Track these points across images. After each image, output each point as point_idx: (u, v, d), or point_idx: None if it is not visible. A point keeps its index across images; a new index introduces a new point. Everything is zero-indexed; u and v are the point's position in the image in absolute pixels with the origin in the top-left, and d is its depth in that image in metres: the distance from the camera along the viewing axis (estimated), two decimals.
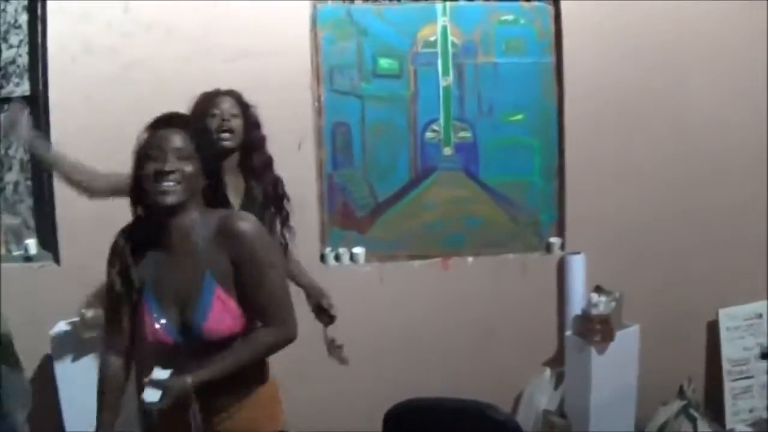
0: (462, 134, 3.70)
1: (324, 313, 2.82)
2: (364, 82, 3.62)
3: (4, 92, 3.81)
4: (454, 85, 3.69)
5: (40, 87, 3.70)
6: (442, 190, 3.68)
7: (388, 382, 3.35)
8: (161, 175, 1.85)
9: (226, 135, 2.74)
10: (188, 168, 1.86)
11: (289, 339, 1.97)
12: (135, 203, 1.96)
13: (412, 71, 3.66)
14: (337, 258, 3.60)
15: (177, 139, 1.88)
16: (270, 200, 2.83)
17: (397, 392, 2.80)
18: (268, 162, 2.88)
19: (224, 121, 2.75)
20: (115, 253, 1.99)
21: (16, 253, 3.78)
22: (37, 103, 3.72)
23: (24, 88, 3.79)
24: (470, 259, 3.71)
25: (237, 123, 2.79)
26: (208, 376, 1.86)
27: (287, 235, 2.84)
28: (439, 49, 3.68)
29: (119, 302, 1.96)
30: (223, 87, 3.65)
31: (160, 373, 1.86)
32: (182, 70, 3.59)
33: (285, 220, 2.84)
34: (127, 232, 1.98)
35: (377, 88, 3.62)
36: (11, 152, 3.86)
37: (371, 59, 3.64)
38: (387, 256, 3.57)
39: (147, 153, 1.90)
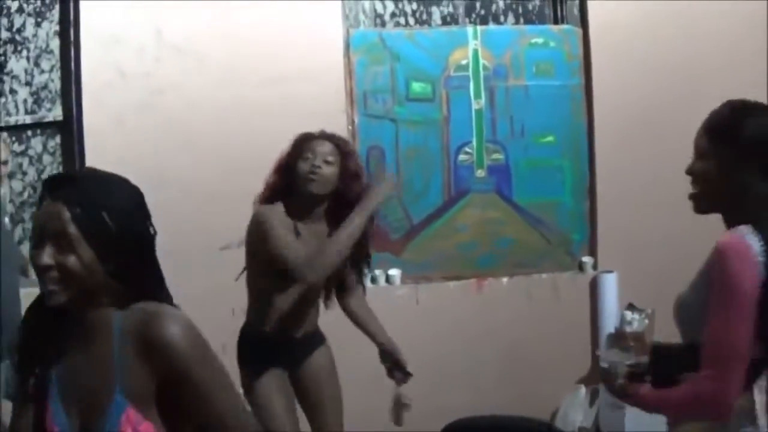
0: (494, 156, 3.72)
1: (400, 371, 2.68)
2: (398, 106, 3.64)
3: (37, 117, 3.85)
4: (486, 107, 3.71)
5: (74, 112, 3.72)
6: (475, 212, 3.70)
7: (426, 400, 3.35)
8: (39, 270, 1.37)
9: (312, 177, 2.52)
10: (70, 261, 1.35)
11: None
12: None
13: (444, 95, 3.69)
14: (373, 280, 3.61)
15: (56, 223, 1.35)
16: (352, 256, 2.65)
17: (437, 411, 2.82)
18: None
19: (315, 166, 2.53)
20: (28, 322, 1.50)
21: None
22: (71, 128, 3.75)
23: (56, 113, 3.82)
24: (504, 279, 3.72)
25: (330, 171, 2.56)
26: None
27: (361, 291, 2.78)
28: (470, 72, 3.71)
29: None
30: (256, 112, 3.70)
31: None
32: (214, 95, 3.62)
33: (360, 280, 2.76)
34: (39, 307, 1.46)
35: (410, 112, 3.64)
36: (45, 176, 3.88)
37: (404, 83, 3.67)
38: (421, 278, 3.58)
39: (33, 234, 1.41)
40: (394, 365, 2.69)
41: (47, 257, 1.34)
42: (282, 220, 2.55)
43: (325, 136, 2.65)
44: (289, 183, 2.59)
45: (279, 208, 2.58)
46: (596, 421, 3.77)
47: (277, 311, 2.62)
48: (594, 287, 3.80)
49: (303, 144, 2.61)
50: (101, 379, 1.39)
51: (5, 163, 3.06)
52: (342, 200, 2.57)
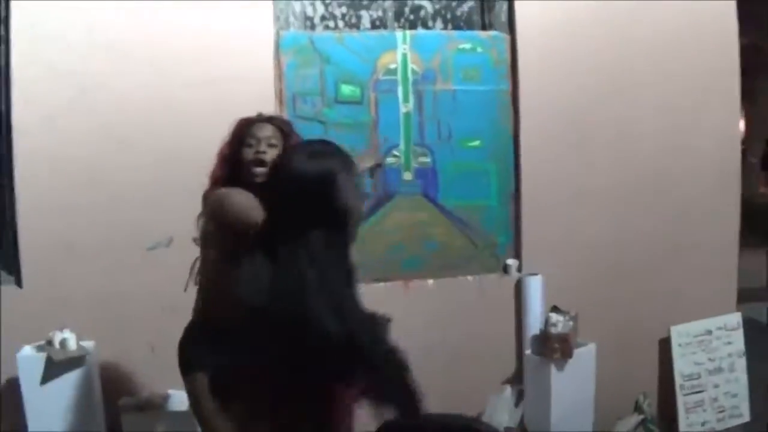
0: (422, 159, 3.74)
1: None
2: (327, 108, 3.63)
3: None
4: (414, 111, 3.73)
5: (2, 109, 3.66)
6: (402, 215, 3.70)
7: None
8: None
9: (258, 170, 2.46)
10: None
11: None
12: None
13: (373, 98, 3.69)
14: None
15: None
16: None
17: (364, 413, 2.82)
18: None
19: (259, 152, 2.47)
20: None
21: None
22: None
23: None
24: (430, 281, 3.74)
25: (274, 154, 2.48)
26: None
27: None
28: (399, 76, 3.71)
29: None
30: (184, 113, 3.66)
31: None
32: (143, 95, 3.57)
33: None
34: None
35: (339, 114, 3.63)
36: None
37: (333, 86, 3.65)
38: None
39: None
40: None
41: None
42: None
43: (264, 119, 2.59)
44: (233, 172, 2.51)
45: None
46: (522, 422, 3.81)
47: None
48: (519, 289, 3.84)
49: (243, 129, 2.54)
50: None
51: None
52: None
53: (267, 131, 2.54)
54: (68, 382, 3.43)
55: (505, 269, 3.84)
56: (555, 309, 3.76)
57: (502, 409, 3.82)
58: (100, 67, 3.57)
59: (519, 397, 3.83)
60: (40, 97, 3.59)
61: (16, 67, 3.60)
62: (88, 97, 3.57)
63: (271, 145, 2.51)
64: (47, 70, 3.60)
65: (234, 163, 2.54)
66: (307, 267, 1.97)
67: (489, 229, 3.81)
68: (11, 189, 3.64)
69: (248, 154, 2.49)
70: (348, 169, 2.09)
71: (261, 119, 2.60)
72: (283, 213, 2.04)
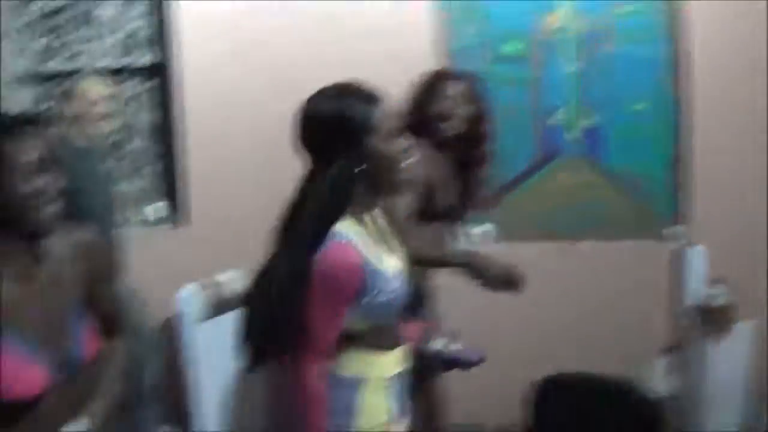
0: (586, 120, 3.63)
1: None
2: (491, 64, 3.56)
3: (129, 62, 3.83)
4: (579, 71, 3.61)
5: (167, 57, 3.70)
6: (564, 176, 3.61)
7: (512, 355, 3.31)
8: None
9: (443, 126, 2.48)
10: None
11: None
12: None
13: (537, 56, 3.60)
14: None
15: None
16: (465, 201, 2.63)
17: (521, 367, 2.76)
18: (483, 161, 2.63)
19: (448, 108, 2.49)
20: None
21: (144, 216, 3.80)
22: (163, 75, 3.73)
23: (149, 57, 3.81)
24: (588, 244, 3.63)
25: (463, 112, 2.50)
26: (104, 410, 1.64)
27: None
28: (563, 35, 3.61)
29: None
30: (348, 69, 3.62)
31: (75, 427, 1.58)
32: (306, 50, 3.58)
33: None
34: None
35: (503, 71, 3.56)
36: (136, 120, 3.87)
37: (497, 42, 3.58)
38: (508, 239, 3.50)
39: None
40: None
41: None
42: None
43: (457, 76, 2.58)
44: (420, 123, 2.48)
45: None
46: (673, 394, 3.70)
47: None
48: (679, 259, 3.70)
49: (435, 83, 2.52)
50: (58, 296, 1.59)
51: (97, 103, 3.05)
52: (469, 140, 2.54)
53: (458, 88, 2.51)
54: (229, 321, 3.46)
55: (666, 237, 3.70)
56: (716, 281, 3.61)
57: (653, 379, 3.71)
58: (269, 18, 3.58)
59: (671, 368, 3.72)
60: (204, 46, 3.62)
61: (179, 17, 3.64)
62: (256, 46, 3.59)
63: (459, 104, 2.48)
64: (211, 20, 3.62)
65: (422, 115, 2.50)
66: None
67: (652, 195, 3.67)
68: (177, 131, 3.69)
69: (436, 108, 2.46)
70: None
71: (453, 75, 2.59)
72: None
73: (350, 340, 1.71)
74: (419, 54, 3.54)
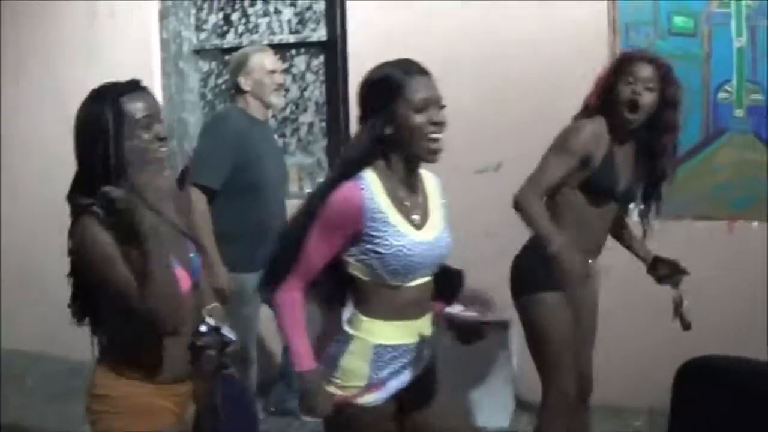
0: (754, 96, 3.52)
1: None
2: (660, 40, 3.52)
3: (301, 37, 3.98)
4: (748, 46, 3.52)
5: (338, 33, 3.82)
6: (732, 152, 3.53)
7: (663, 334, 3.28)
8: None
9: (630, 116, 2.48)
10: None
11: None
12: None
13: (706, 31, 3.52)
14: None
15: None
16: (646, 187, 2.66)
17: (672, 347, 2.73)
18: (668, 152, 2.58)
19: (635, 93, 2.45)
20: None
21: (309, 191, 3.94)
22: (335, 48, 3.86)
23: (320, 33, 3.94)
24: (755, 223, 3.56)
25: (650, 98, 2.47)
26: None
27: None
28: (732, 9, 3.52)
29: None
30: (516, 38, 3.65)
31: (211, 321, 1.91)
32: (480, 24, 3.63)
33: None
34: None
35: (672, 47, 3.48)
36: (306, 94, 4.02)
37: (666, 17, 3.53)
38: (672, 216, 3.47)
39: None
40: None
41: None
42: (602, 137, 2.53)
43: (647, 59, 2.53)
44: (607, 103, 2.53)
45: (600, 124, 2.55)
46: None
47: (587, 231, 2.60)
48: None
49: (624, 65, 2.51)
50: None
51: (271, 74, 3.12)
52: (655, 127, 2.53)
53: (647, 72, 2.48)
54: None
55: None
56: None
57: None
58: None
59: None
60: (376, 21, 3.72)
61: None
62: (427, 22, 3.66)
63: (648, 89, 2.46)
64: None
65: (609, 97, 2.53)
66: None
67: None
68: (345, 107, 3.80)
69: (625, 92, 2.47)
70: None
71: (644, 58, 2.53)
72: None
73: (360, 291, 1.90)
74: (592, 28, 3.55)
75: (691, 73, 3.49)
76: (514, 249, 3.23)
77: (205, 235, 2.92)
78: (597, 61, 3.52)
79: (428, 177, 2.05)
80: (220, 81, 4.15)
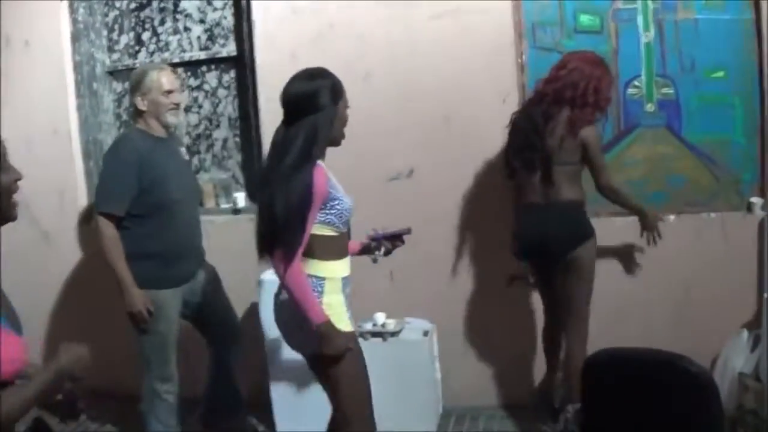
0: (664, 90, 3.44)
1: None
2: (566, 39, 3.41)
3: (211, 53, 3.81)
4: (655, 41, 3.43)
5: (247, 47, 3.67)
6: (644, 147, 3.44)
7: (596, 334, 3.17)
8: None
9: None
10: None
11: None
12: None
13: (612, 27, 3.43)
14: None
15: None
16: None
17: (594, 344, 2.64)
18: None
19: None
20: None
21: (225, 206, 3.79)
22: (244, 63, 3.70)
23: (230, 49, 3.78)
24: (671, 217, 3.46)
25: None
26: None
27: None
28: (639, 5, 3.43)
29: None
30: (425, 45, 3.53)
31: None
32: (386, 28, 3.49)
33: None
34: None
35: (579, 45, 3.38)
36: (219, 110, 3.85)
37: (572, 15, 3.43)
38: (590, 212, 3.35)
39: None
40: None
41: None
42: None
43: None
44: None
45: None
46: (756, 368, 3.49)
47: None
48: (762, 229, 3.50)
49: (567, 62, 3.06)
50: None
51: (169, 92, 2.98)
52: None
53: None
54: None
55: (749, 207, 3.50)
56: None
57: (737, 354, 3.51)
58: (343, 5, 3.52)
59: (756, 342, 3.51)
60: (283, 34, 3.57)
61: (258, 7, 3.60)
62: (332, 33, 3.52)
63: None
64: (288, 8, 3.57)
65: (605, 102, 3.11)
66: None
67: (733, 165, 3.46)
68: (257, 126, 3.65)
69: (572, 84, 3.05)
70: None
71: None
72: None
73: (319, 245, 2.37)
74: (497, 30, 3.43)
75: None
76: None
77: (115, 261, 2.92)
78: (504, 64, 3.45)
79: None
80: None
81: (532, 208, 3.12)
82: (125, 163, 2.89)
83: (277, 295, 2.53)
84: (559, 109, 3.05)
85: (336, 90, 2.40)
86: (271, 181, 2.31)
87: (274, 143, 2.41)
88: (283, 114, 2.43)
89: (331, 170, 2.45)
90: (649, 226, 3.25)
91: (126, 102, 3.95)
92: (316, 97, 2.35)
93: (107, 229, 2.90)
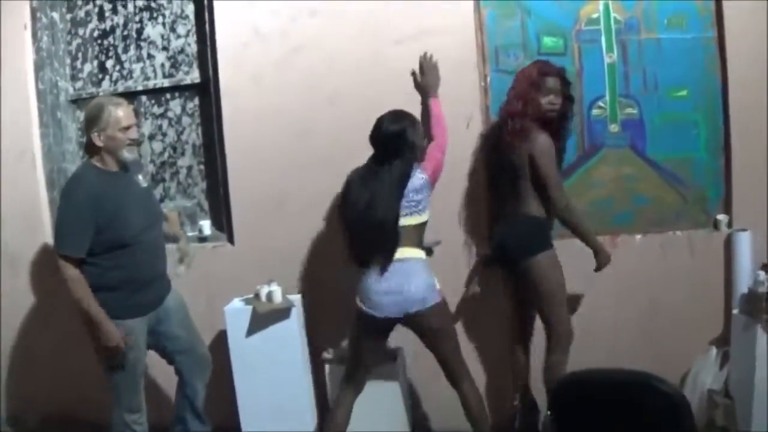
0: (628, 111, 3.40)
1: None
2: (529, 61, 3.34)
3: (175, 81, 3.72)
4: (619, 61, 3.39)
5: (211, 74, 3.58)
6: (609, 168, 3.40)
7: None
8: None
9: (552, 114, 3.14)
10: None
11: None
12: None
13: (576, 49, 3.38)
14: None
15: None
16: None
17: (573, 366, 2.59)
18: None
19: (552, 103, 3.09)
20: None
21: (191, 234, 3.69)
22: (208, 89, 3.61)
23: (194, 75, 3.69)
24: (638, 236, 3.40)
25: (560, 102, 3.13)
26: None
27: None
28: (602, 26, 3.39)
29: None
30: (391, 68, 3.47)
31: None
32: (351, 51, 3.42)
33: None
34: None
35: None
36: (184, 137, 3.75)
37: (535, 38, 3.38)
38: (555, 234, 3.29)
39: None
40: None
41: None
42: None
43: (554, 72, 3.10)
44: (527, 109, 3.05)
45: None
46: (726, 384, 3.44)
47: None
48: (728, 246, 3.45)
49: (540, 79, 3.06)
50: None
51: (127, 128, 2.87)
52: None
53: (557, 83, 3.09)
54: (274, 333, 3.34)
55: (715, 225, 3.45)
56: (766, 267, 3.34)
57: (706, 371, 3.45)
58: (308, 28, 3.44)
59: (725, 359, 3.45)
60: (247, 59, 3.49)
61: (221, 33, 3.52)
62: (296, 57, 3.44)
63: (557, 95, 3.09)
64: (252, 33, 3.49)
65: (529, 103, 3.05)
66: None
67: (698, 183, 3.42)
68: (221, 149, 3.57)
69: (544, 100, 3.05)
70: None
71: (553, 72, 3.09)
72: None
73: None
74: (461, 52, 3.37)
75: None
76: None
77: (84, 299, 2.84)
78: (467, 87, 3.38)
79: None
80: None
81: (498, 220, 3.28)
82: (78, 206, 2.80)
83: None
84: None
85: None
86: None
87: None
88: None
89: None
90: (601, 264, 3.14)
91: None
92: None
93: (68, 270, 2.81)
